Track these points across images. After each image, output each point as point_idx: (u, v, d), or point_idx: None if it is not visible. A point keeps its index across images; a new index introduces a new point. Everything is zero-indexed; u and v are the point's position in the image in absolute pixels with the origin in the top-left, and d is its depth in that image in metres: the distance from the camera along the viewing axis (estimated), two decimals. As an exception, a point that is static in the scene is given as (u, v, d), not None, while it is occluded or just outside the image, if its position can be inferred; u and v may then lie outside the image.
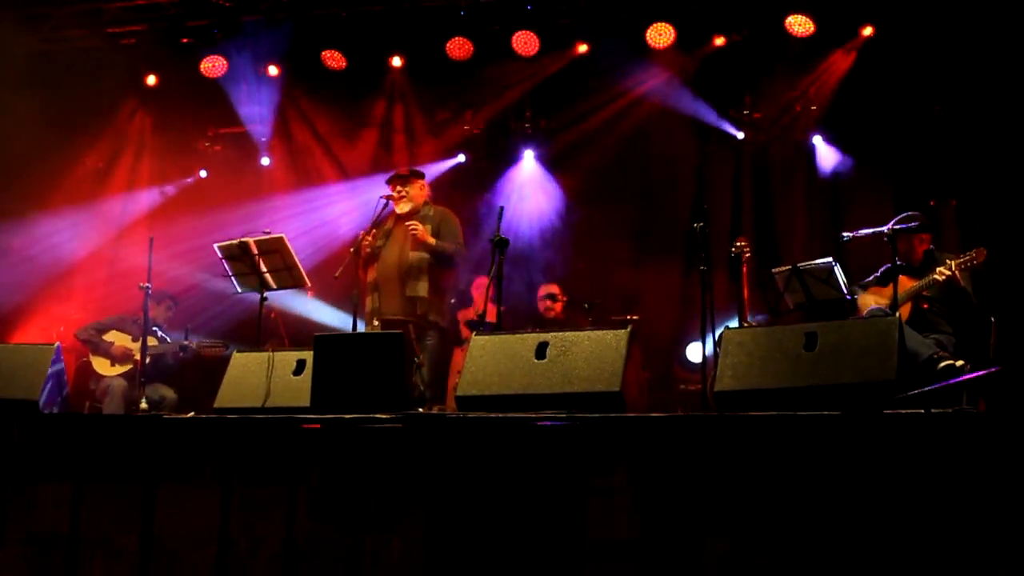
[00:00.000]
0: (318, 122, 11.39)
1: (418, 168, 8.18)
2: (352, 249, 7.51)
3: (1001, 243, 8.33)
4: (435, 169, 10.52)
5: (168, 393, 8.85)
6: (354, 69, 10.65)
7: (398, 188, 7.67)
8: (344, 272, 7.44)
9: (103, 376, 9.00)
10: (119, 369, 9.00)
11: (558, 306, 9.70)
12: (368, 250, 7.50)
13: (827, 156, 10.16)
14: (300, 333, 9.60)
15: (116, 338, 9.12)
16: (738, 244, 7.70)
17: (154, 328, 9.08)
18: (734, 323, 7.95)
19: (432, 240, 7.46)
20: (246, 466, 5.35)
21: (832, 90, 9.94)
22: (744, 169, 10.52)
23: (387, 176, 7.94)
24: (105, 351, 9.04)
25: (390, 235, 7.62)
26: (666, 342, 10.13)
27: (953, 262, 6.54)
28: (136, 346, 8.95)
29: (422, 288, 7.41)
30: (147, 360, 8.21)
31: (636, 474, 4.67)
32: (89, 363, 9.15)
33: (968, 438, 4.10)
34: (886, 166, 9.84)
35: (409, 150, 11.09)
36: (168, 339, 9.22)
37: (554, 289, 9.84)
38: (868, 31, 9.54)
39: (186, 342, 9.04)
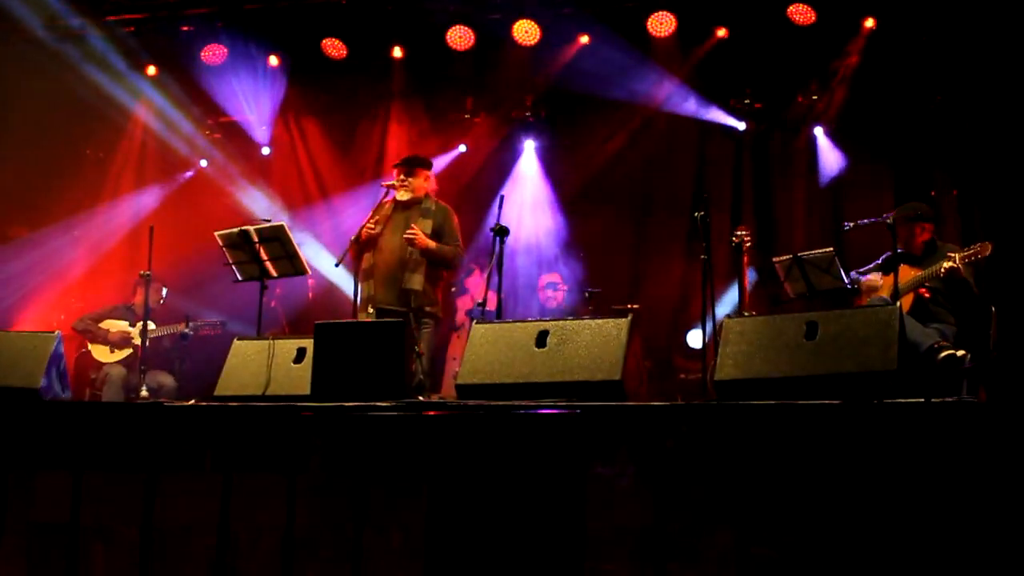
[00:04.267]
0: (318, 111, 11.39)
1: (425, 157, 8.14)
2: (353, 238, 7.49)
3: (1002, 233, 8.32)
4: (436, 159, 10.51)
5: (167, 381, 8.86)
6: (354, 58, 10.62)
7: (401, 176, 7.63)
8: (345, 261, 7.44)
9: (103, 364, 9.02)
10: (119, 355, 9.02)
11: (559, 295, 9.70)
12: (367, 237, 7.47)
13: (828, 146, 10.15)
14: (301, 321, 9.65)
15: (111, 326, 9.13)
16: (739, 233, 7.69)
17: (151, 309, 9.09)
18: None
19: (432, 244, 7.41)
20: (246, 455, 5.35)
21: (833, 79, 9.93)
22: (745, 158, 10.52)
23: (390, 165, 7.92)
24: (103, 338, 9.06)
25: (389, 222, 7.58)
26: (667, 332, 10.14)
27: (958, 255, 6.52)
28: (134, 330, 8.98)
29: (417, 281, 7.36)
30: (147, 344, 8.22)
31: (636, 463, 4.68)
32: (89, 352, 9.16)
33: (969, 428, 4.10)
34: (887, 156, 9.83)
35: (409, 139, 11.09)
36: (163, 323, 9.23)
37: (555, 278, 9.84)
38: (870, 23, 9.52)
39: (186, 330, 9.05)
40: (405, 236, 7.35)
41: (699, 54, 10.11)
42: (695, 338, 9.63)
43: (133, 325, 9.03)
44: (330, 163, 11.42)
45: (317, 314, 9.86)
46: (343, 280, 10.06)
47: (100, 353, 9.06)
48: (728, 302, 9.21)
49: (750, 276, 7.78)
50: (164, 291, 9.44)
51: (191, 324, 9.08)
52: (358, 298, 7.39)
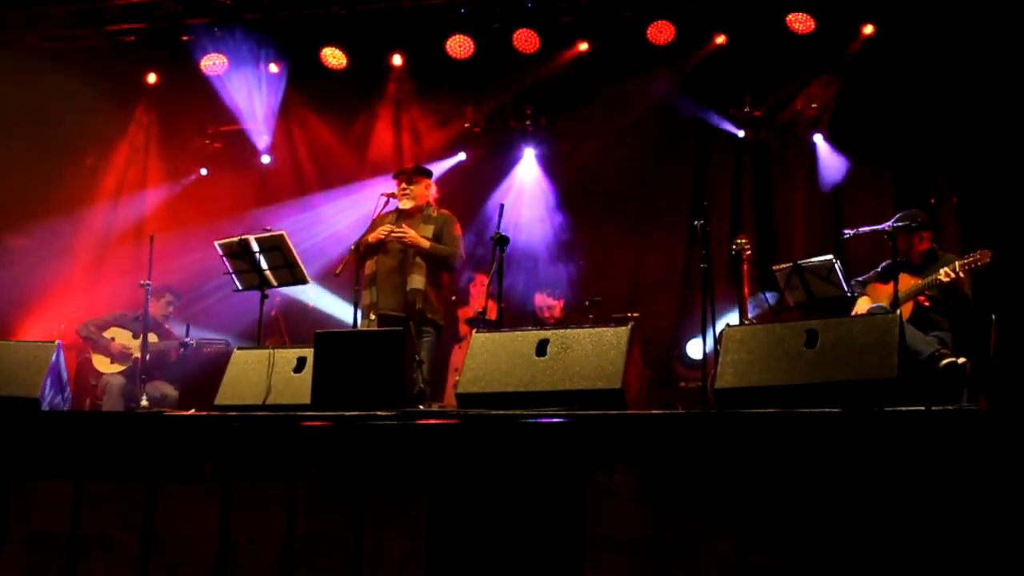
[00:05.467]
0: (318, 120, 11.40)
1: (425, 167, 8.15)
2: (353, 246, 7.50)
3: (1002, 240, 8.33)
4: (436, 168, 10.52)
5: (169, 390, 8.84)
6: (354, 67, 10.64)
7: (403, 185, 7.65)
8: (345, 269, 7.44)
9: (102, 373, 8.99)
10: (118, 367, 8.99)
11: (556, 306, 9.66)
12: (374, 241, 7.46)
13: (828, 153, 10.16)
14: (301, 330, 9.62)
15: (116, 335, 9.11)
16: (738, 242, 7.70)
17: (158, 322, 9.09)
18: (734, 320, 7.95)
19: (425, 243, 7.42)
20: (247, 464, 5.35)
21: (833, 87, 9.94)
22: (744, 167, 10.52)
23: (390, 174, 7.92)
24: (105, 348, 9.03)
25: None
26: (666, 340, 10.13)
27: (958, 263, 6.51)
28: (135, 344, 8.95)
29: (419, 282, 7.37)
30: (147, 357, 8.21)
31: (636, 471, 4.67)
32: (89, 360, 9.14)
33: (969, 436, 4.10)
34: (887, 163, 9.84)
35: (410, 148, 11.10)
36: (169, 336, 9.22)
37: (548, 291, 9.82)
38: (869, 30, 9.53)
39: (187, 339, 9.04)
40: (393, 233, 7.36)
41: (699, 62, 10.11)
42: (695, 348, 9.62)
43: (137, 336, 9.00)
44: (329, 170, 11.42)
45: (317, 322, 9.88)
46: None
47: (100, 363, 9.04)
48: (729, 315, 9.18)
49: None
50: (171, 306, 9.41)
51: (193, 339, 9.08)
52: (359, 306, 7.39)
